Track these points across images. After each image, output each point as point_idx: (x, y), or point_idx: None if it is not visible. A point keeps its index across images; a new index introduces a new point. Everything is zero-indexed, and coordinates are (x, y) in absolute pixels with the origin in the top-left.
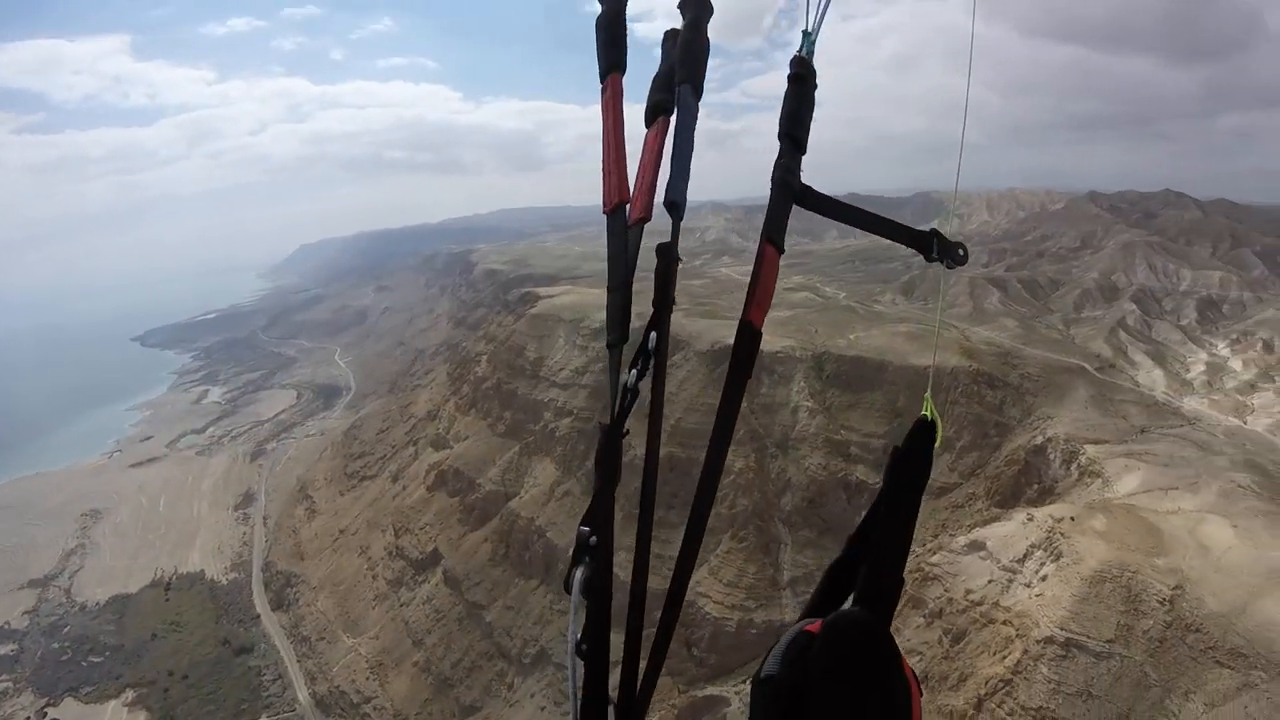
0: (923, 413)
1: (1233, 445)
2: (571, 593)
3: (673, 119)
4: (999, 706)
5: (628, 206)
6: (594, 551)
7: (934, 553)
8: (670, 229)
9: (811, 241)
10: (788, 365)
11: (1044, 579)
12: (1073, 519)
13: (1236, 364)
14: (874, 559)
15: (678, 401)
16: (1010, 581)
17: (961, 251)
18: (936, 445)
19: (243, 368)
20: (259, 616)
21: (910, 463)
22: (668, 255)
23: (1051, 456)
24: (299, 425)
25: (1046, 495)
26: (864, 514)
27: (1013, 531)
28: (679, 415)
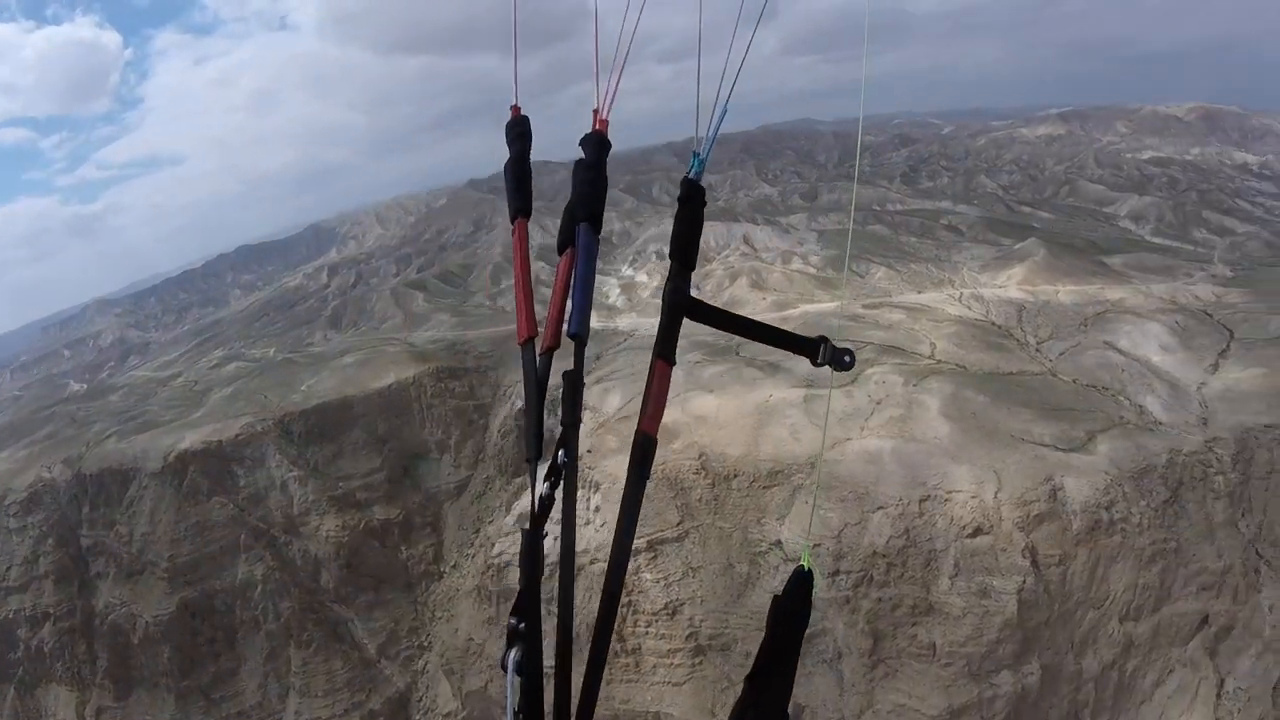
0: (800, 563)
1: None
2: (507, 671)
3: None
4: (636, 626)
5: (536, 339)
6: (523, 636)
7: (492, 545)
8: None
9: (216, 309)
10: (254, 445)
11: (598, 510)
12: (590, 451)
13: (643, 277)
14: (760, 700)
15: (159, 539)
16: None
17: (848, 358)
18: (814, 593)
19: None
20: None
21: (788, 610)
22: (572, 380)
23: None
24: None
25: (552, 445)
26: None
27: (547, 489)
28: (168, 552)
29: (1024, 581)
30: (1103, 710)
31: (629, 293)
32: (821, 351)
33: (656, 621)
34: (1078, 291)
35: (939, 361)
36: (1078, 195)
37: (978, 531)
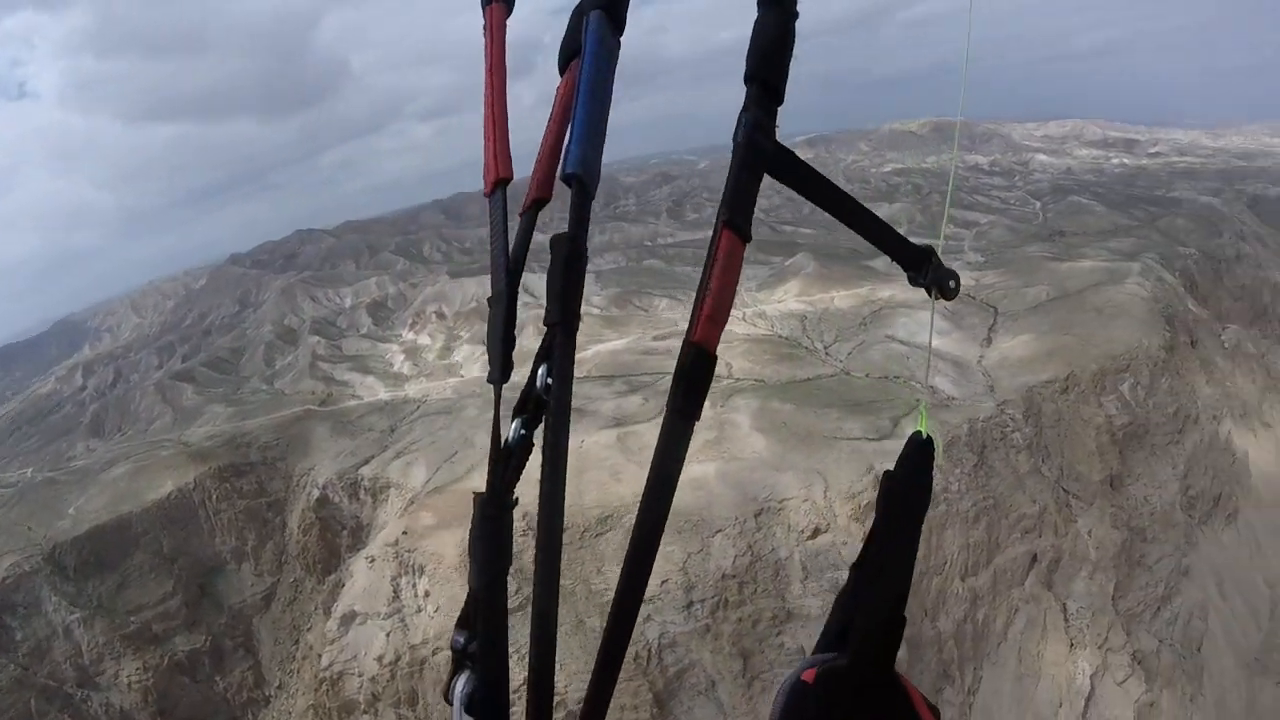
0: (917, 428)
1: (467, 394)
2: (453, 705)
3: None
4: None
5: (511, 185)
6: (475, 658)
7: (318, 656)
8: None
9: None
10: (25, 589)
11: (428, 594)
12: (405, 533)
13: (425, 339)
14: (870, 596)
15: None
16: (404, 620)
17: (953, 284)
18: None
19: None
20: None
21: (904, 482)
22: (566, 250)
23: (337, 500)
24: None
25: (361, 533)
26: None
27: (366, 582)
28: None
29: None
30: (968, 661)
31: (414, 358)
32: (926, 268)
33: (519, 699)
34: (851, 295)
35: (738, 379)
36: None
37: (816, 532)
